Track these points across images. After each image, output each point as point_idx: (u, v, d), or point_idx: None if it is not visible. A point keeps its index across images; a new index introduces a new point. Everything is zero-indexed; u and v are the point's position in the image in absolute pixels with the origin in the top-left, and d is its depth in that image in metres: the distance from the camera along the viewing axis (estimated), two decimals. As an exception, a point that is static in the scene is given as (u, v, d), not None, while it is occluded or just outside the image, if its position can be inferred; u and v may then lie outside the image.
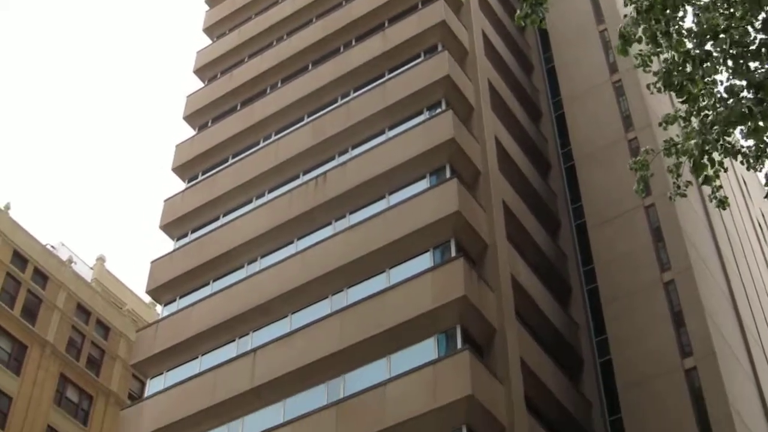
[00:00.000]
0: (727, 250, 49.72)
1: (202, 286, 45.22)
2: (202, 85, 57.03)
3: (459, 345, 34.96)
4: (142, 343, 45.09)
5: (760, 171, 18.01)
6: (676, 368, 40.33)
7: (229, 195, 47.74)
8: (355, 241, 40.25)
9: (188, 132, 54.98)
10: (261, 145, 49.28)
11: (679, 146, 17.79)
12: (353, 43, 50.24)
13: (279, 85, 51.76)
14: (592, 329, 44.53)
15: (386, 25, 49.48)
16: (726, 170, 18.35)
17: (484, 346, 36.45)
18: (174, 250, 47.98)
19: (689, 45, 17.13)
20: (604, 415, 41.73)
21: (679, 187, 18.66)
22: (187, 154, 52.14)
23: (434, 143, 41.21)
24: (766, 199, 46.23)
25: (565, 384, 41.06)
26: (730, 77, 16.96)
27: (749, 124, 16.61)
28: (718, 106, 17.12)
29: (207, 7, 62.71)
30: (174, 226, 49.21)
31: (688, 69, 17.05)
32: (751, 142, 17.21)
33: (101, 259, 74.11)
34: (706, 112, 17.34)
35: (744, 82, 16.71)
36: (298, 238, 43.19)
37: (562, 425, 39.88)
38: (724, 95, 17.04)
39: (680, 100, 17.40)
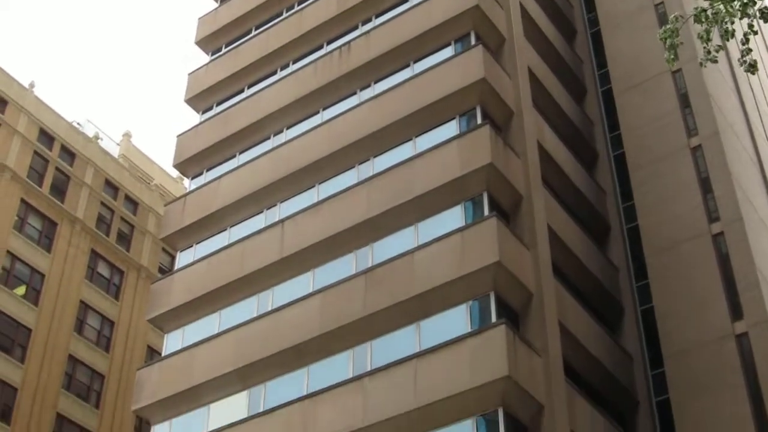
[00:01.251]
0: (755, 116, 49.25)
1: (229, 159, 45.38)
2: (223, -42, 56.29)
3: (486, 212, 35.06)
4: (171, 216, 45.46)
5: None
6: (703, 233, 40.33)
7: (253, 66, 47.52)
8: (380, 110, 40.11)
9: (211, 5, 54.44)
10: (284, 15, 48.82)
11: (709, 12, 17.47)
12: None
13: (301, -46, 51.04)
14: (619, 195, 44.49)
15: None
16: (756, 33, 18.04)
17: (510, 213, 36.55)
18: (199, 124, 48.03)
19: None
20: (630, 281, 41.95)
21: (709, 52, 18.37)
22: (210, 27, 51.77)
23: (459, 10, 40.65)
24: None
25: (592, 250, 41.22)
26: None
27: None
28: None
29: None
30: (199, 99, 49.14)
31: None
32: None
33: (127, 135, 74.33)
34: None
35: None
36: (324, 109, 43.08)
37: (589, 291, 40.16)
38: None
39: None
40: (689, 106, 44.00)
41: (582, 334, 36.99)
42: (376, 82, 41.78)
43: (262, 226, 41.27)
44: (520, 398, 31.32)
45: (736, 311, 38.00)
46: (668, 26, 18.36)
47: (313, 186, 40.83)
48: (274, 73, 46.73)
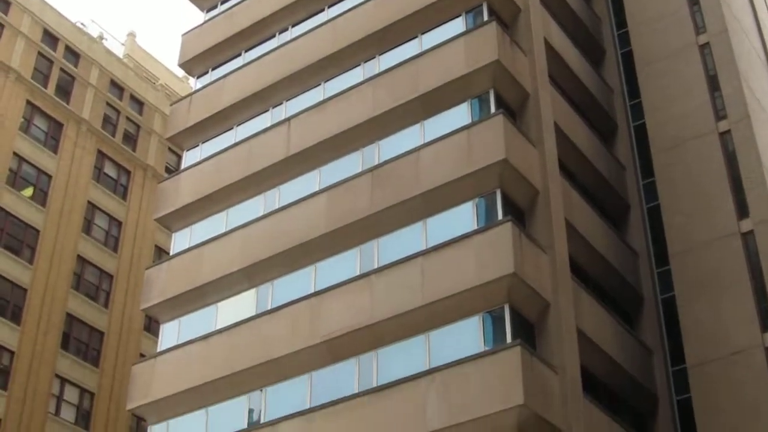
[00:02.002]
0: (764, 15, 48.74)
1: (234, 58, 45.07)
2: None
3: (492, 109, 34.91)
4: (177, 116, 45.36)
5: None
6: (710, 131, 40.22)
7: (258, -36, 46.98)
8: (386, 8, 39.67)
9: None
10: None
11: None
12: None
13: None
14: (626, 93, 44.25)
15: None
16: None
17: (517, 111, 36.39)
18: (204, 23, 47.61)
19: None
20: (637, 179, 41.96)
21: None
22: (212, -76, 51.04)
23: None
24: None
25: (598, 148, 41.16)
26: None
27: None
28: None
29: None
30: (203, -4, 48.79)
31: None
32: None
33: (132, 35, 73.85)
34: None
35: None
36: (329, 6, 42.61)
37: (595, 189, 40.20)
38: None
39: None
40: (697, 3, 43.56)
41: (588, 231, 37.14)
42: (381, -21, 41.27)
43: (268, 124, 41.17)
44: (526, 295, 31.54)
45: (742, 209, 38.06)
46: None
47: (319, 84, 40.62)
48: (279, -30, 46.20)
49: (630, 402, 36.78)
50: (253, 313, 36.82)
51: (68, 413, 54.28)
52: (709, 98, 40.99)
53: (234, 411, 35.64)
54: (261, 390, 35.22)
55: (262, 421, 34.63)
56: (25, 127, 56.96)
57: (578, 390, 31.73)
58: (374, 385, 32.24)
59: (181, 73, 65.86)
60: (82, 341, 56.14)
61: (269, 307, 36.46)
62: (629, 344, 37.04)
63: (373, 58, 39.38)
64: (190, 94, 45.81)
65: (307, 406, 33.48)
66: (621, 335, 36.73)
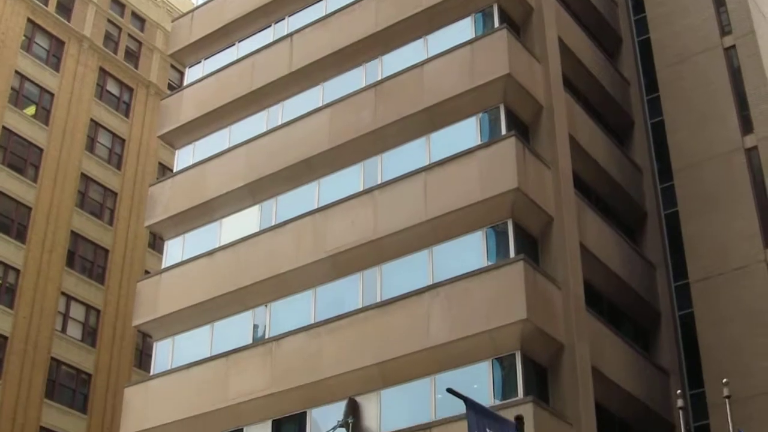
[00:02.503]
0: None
1: (236, -27, 44.70)
2: None
3: (496, 24, 34.61)
4: (179, 32, 45.07)
5: None
6: (714, 46, 40.00)
7: None
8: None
9: None
10: None
11: None
12: None
13: None
14: (631, 7, 43.89)
15: None
16: None
17: (521, 25, 36.07)
18: (205, -63, 47.09)
19: None
20: (641, 94, 41.83)
21: None
22: None
23: None
24: None
25: (603, 63, 40.92)
26: None
27: None
28: None
29: None
30: None
31: None
32: None
33: (132, -49, 72.94)
34: None
35: None
36: None
37: (599, 104, 40.07)
38: None
39: None
40: None
41: (592, 146, 37.08)
42: None
43: (271, 40, 40.89)
44: (529, 210, 31.60)
45: (746, 125, 37.98)
46: None
47: (321, -1, 40.35)
48: None
49: (633, 317, 37.06)
50: (257, 229, 36.98)
51: (75, 330, 54.74)
52: (714, 13, 40.68)
53: (239, 326, 35.97)
54: (266, 305, 35.49)
55: (266, 336, 34.96)
56: (27, 46, 56.59)
57: (581, 304, 31.95)
58: (378, 300, 32.48)
59: (182, -11, 65.34)
60: (87, 259, 56.41)
61: (273, 223, 36.60)
62: (632, 259, 37.21)
63: (376, -28, 39.00)
64: (192, 10, 45.47)
65: (312, 321, 33.77)
66: (624, 250, 36.88)
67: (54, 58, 57.89)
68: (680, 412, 27.03)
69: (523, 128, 33.79)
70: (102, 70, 60.37)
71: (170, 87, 63.11)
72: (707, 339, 35.26)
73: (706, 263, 36.42)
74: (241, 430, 34.24)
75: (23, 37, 56.30)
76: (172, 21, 47.60)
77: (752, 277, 35.34)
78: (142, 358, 55.76)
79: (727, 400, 26.97)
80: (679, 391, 28.79)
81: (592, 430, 30.07)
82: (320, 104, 37.49)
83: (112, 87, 61.04)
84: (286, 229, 35.81)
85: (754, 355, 33.97)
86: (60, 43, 58.38)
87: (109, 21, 62.00)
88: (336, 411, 31.51)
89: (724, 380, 27.57)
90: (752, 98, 38.18)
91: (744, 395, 31.99)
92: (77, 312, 55.01)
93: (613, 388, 32.78)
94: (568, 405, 29.77)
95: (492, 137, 32.79)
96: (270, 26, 41.40)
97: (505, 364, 29.71)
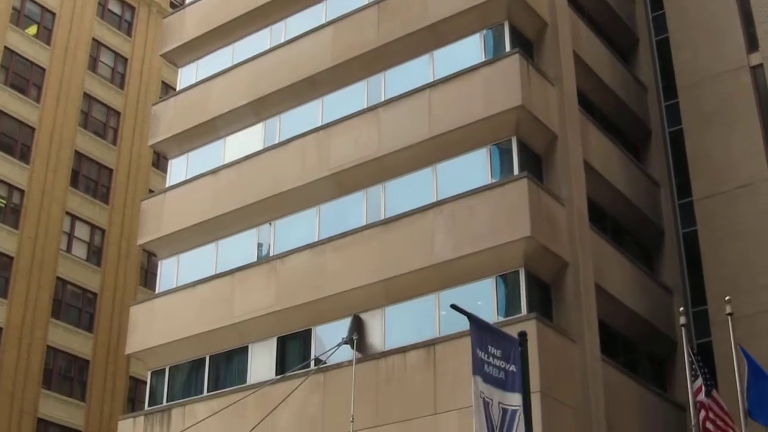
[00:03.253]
0: None
1: None
2: None
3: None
4: (180, -51, 44.60)
5: None
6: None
7: None
8: None
9: None
10: None
11: None
12: None
13: None
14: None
15: None
16: None
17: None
18: None
19: None
20: (646, 11, 41.39)
21: None
22: None
23: None
24: None
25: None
26: None
27: None
28: None
29: None
30: None
31: None
32: None
33: None
34: None
35: None
36: None
37: (604, 22, 39.72)
38: None
39: None
40: None
41: (596, 64, 36.80)
42: None
43: (273, -43, 40.44)
44: (533, 128, 31.46)
45: (752, 42, 37.59)
46: None
47: None
48: None
49: (636, 235, 37.13)
50: (261, 147, 36.90)
51: (80, 250, 55.01)
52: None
53: (243, 244, 36.08)
54: (270, 223, 35.56)
55: (271, 254, 35.08)
56: (27, -36, 56.16)
57: (585, 222, 31.99)
58: (382, 217, 32.53)
59: None
60: (91, 178, 56.47)
61: (277, 141, 36.51)
62: (636, 177, 37.17)
63: None
64: (194, -72, 44.84)
65: (316, 239, 33.85)
66: (628, 168, 36.83)
67: (54, -23, 57.41)
68: (683, 329, 27.14)
69: (527, 45, 33.50)
70: (103, -12, 59.94)
71: (172, 5, 62.60)
72: (710, 257, 35.30)
73: (710, 181, 36.33)
74: (246, 347, 34.52)
75: (23, -44, 55.81)
76: (174, -62, 47.06)
77: (756, 194, 35.27)
78: (147, 276, 56.08)
79: (729, 317, 27.08)
80: (681, 309, 28.89)
81: (595, 347, 30.31)
82: (323, 21, 37.13)
83: (113, 5, 60.58)
84: (290, 147, 35.73)
85: (757, 273, 34.04)
86: (60, -38, 57.85)
87: (110, -61, 61.38)
88: (340, 328, 31.71)
89: (727, 298, 27.66)
90: (758, 16, 37.73)
91: (746, 313, 32.13)
92: (82, 232, 55.22)
93: (617, 305, 32.95)
94: (572, 322, 29.95)
95: (496, 54, 32.54)
96: (272, -57, 40.91)
97: (508, 281, 29.87)
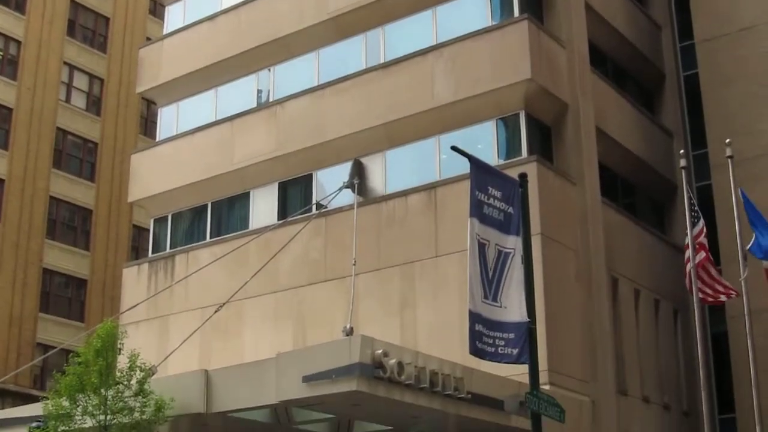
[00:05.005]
0: None
1: None
2: None
3: None
4: None
5: None
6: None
7: None
8: None
9: None
10: None
11: None
12: None
13: None
14: None
15: None
16: None
17: None
18: None
19: None
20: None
21: None
22: None
23: None
24: None
25: None
26: None
27: None
28: None
29: None
30: None
31: None
32: None
33: None
34: None
35: None
36: None
37: None
38: None
39: None
40: None
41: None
42: None
43: None
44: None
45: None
46: None
47: None
48: None
49: (637, 78, 36.85)
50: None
51: (79, 100, 54.82)
52: None
53: (243, 90, 35.89)
54: (269, 69, 35.29)
55: (270, 99, 34.93)
56: None
57: (585, 64, 31.72)
58: (381, 61, 32.24)
59: None
60: (87, 28, 55.87)
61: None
62: (638, 19, 36.77)
63: None
64: None
65: (315, 84, 33.64)
66: (629, 9, 36.40)
67: None
68: (683, 172, 27.22)
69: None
70: None
71: None
72: (711, 100, 35.09)
73: (713, 23, 35.84)
74: (248, 193, 34.68)
75: None
76: None
77: (759, 37, 34.88)
78: (147, 125, 56.01)
79: (729, 160, 27.13)
80: (682, 152, 28.88)
81: (595, 189, 30.43)
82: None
83: None
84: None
85: (758, 116, 33.94)
86: None
87: None
88: (341, 172, 31.79)
89: (727, 140, 27.66)
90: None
91: (747, 156, 32.16)
92: (81, 81, 54.94)
93: (617, 147, 32.94)
94: (572, 164, 30.00)
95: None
96: None
97: (509, 124, 29.80)
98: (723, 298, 27.50)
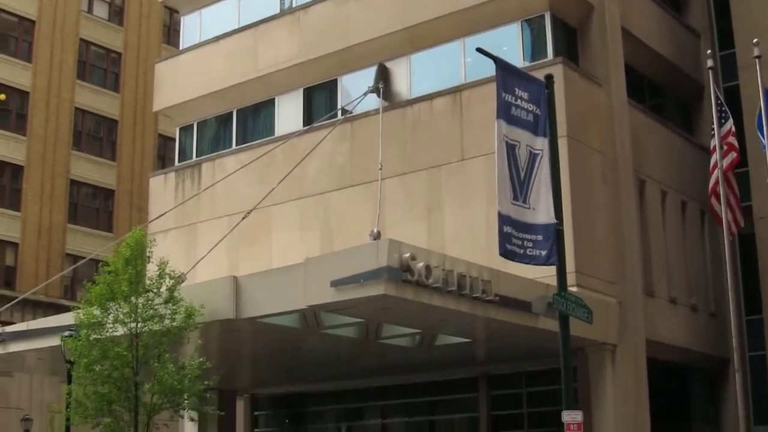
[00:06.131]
0: None
1: None
2: None
3: None
4: None
5: None
6: None
7: None
8: None
9: None
10: None
11: None
12: None
13: None
14: None
15: None
16: None
17: None
18: None
19: None
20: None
21: None
22: None
23: None
24: None
25: None
26: None
27: None
28: None
29: None
30: None
31: None
32: None
33: None
34: None
35: None
36: None
37: None
38: None
39: None
40: None
41: None
42: None
43: None
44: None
45: None
46: None
47: None
48: None
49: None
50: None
51: (101, 10, 54.70)
52: None
53: (266, -4, 35.58)
54: (291, -26, 34.96)
55: (293, 5, 34.63)
56: None
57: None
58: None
59: None
60: (107, -64, 55.54)
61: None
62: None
63: None
64: None
65: (338, -12, 33.32)
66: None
67: None
68: (710, 72, 26.95)
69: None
70: None
71: None
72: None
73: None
74: (273, 99, 34.60)
75: None
76: None
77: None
78: (170, 34, 55.78)
79: (757, 60, 26.81)
80: (709, 52, 28.57)
81: (622, 90, 30.13)
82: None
83: None
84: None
85: (786, 16, 33.33)
86: None
87: None
88: (366, 77, 31.62)
89: (755, 40, 27.30)
90: None
91: (774, 56, 31.66)
92: (103, -9, 54.77)
93: (643, 48, 32.51)
94: (598, 65, 29.66)
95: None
96: None
97: (534, 26, 29.47)
98: (734, 228, 27.71)
